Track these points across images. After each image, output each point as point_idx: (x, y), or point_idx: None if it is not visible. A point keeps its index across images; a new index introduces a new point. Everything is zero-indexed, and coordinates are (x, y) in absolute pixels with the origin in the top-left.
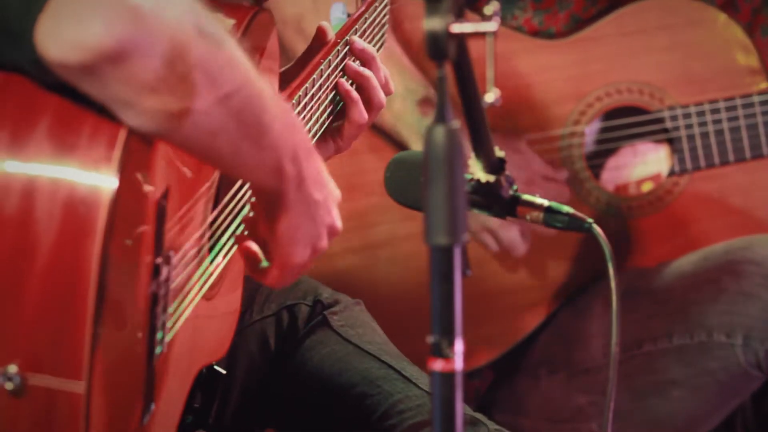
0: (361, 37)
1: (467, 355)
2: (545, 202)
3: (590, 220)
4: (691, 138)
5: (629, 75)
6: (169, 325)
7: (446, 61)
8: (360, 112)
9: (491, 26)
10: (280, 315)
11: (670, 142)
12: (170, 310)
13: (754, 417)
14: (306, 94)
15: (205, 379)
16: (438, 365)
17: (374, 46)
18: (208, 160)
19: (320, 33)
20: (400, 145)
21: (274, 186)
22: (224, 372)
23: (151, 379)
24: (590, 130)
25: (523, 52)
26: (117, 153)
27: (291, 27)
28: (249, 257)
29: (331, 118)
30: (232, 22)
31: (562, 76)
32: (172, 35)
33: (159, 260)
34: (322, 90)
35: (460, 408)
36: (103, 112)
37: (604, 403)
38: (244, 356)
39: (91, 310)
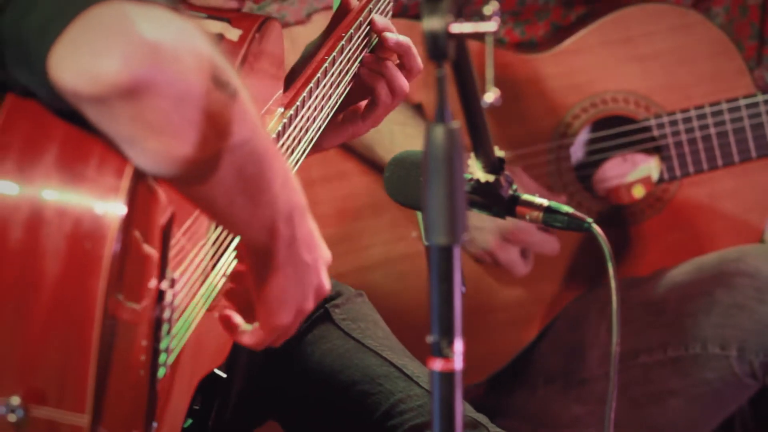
0: (362, 29)
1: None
2: (545, 202)
3: (590, 220)
4: (678, 145)
5: (614, 84)
6: (172, 346)
7: (445, 61)
8: (386, 92)
9: (491, 26)
10: None
11: (658, 150)
12: (174, 331)
13: (753, 419)
14: (309, 96)
15: (205, 382)
16: (438, 365)
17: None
18: (204, 208)
19: (345, 4)
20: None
21: (265, 244)
22: (225, 375)
23: (154, 401)
24: (578, 142)
25: (506, 67)
26: (125, 183)
27: None
28: (228, 324)
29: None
30: (239, 32)
31: (547, 88)
32: (187, 80)
33: (164, 285)
34: (326, 91)
35: (460, 408)
36: (112, 141)
37: (602, 412)
38: (244, 349)
39: (95, 345)
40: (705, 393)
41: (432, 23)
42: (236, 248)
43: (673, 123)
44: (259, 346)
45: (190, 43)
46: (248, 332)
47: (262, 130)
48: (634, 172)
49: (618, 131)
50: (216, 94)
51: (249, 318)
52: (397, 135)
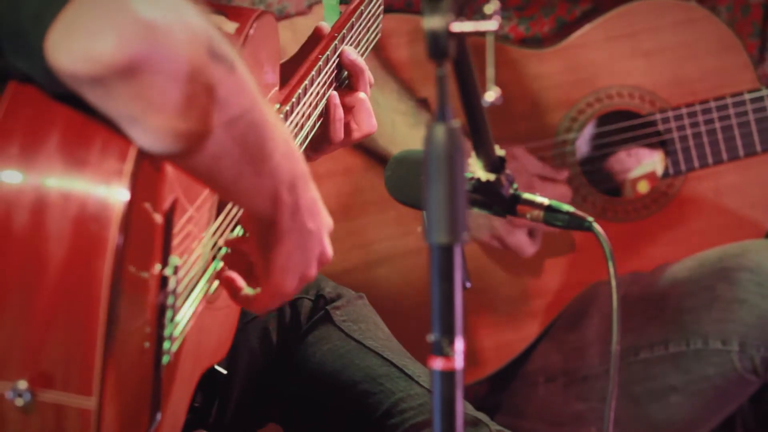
0: (355, 29)
1: (465, 370)
2: (546, 201)
3: (591, 219)
4: (683, 139)
5: (619, 79)
6: (176, 333)
7: (446, 60)
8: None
9: (491, 25)
10: (282, 309)
11: (663, 144)
12: (177, 319)
13: (754, 417)
14: (305, 93)
15: (205, 379)
16: (438, 364)
17: (369, 37)
18: (209, 183)
19: (317, 32)
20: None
21: (269, 213)
22: (225, 372)
23: (158, 390)
24: (583, 136)
25: (510, 63)
26: (128, 167)
27: None
28: (231, 287)
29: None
30: (235, 25)
31: (552, 84)
32: (183, 55)
33: (167, 271)
34: (318, 89)
35: (461, 406)
36: (114, 125)
37: (603, 409)
38: (245, 351)
39: (102, 328)
40: (706, 389)
41: (433, 22)
42: (240, 219)
43: (678, 117)
44: (261, 310)
45: (185, 19)
46: (251, 296)
47: (261, 100)
48: (638, 167)
49: (623, 126)
50: (213, 67)
51: (252, 283)
52: (399, 125)
